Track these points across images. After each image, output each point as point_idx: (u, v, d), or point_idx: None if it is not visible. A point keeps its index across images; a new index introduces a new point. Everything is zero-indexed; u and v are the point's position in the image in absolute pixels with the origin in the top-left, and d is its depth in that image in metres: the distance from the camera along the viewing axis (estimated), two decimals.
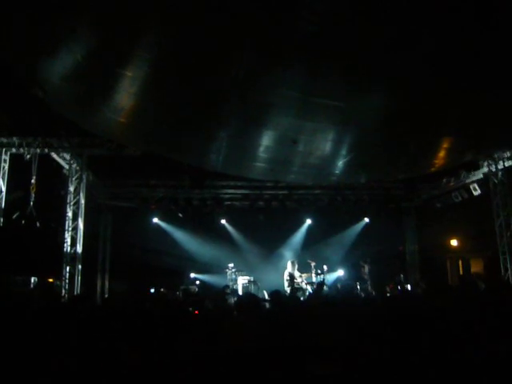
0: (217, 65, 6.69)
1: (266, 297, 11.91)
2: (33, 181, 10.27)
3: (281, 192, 13.78)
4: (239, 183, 13.26)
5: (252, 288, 12.38)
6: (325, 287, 11.91)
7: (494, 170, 11.58)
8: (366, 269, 12.95)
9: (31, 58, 6.82)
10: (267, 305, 6.33)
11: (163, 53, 6.45)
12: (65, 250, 10.59)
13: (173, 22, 5.78)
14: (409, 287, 12.91)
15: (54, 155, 10.73)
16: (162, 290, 12.13)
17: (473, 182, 12.40)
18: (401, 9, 5.67)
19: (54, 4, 5.46)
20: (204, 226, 14.29)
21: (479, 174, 12.21)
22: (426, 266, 15.03)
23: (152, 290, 12.20)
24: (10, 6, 5.61)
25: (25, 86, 7.74)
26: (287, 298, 6.94)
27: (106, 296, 12.63)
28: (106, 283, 14.05)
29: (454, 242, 14.92)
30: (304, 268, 12.69)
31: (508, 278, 11.17)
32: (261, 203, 13.86)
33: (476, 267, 14.83)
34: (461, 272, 15.07)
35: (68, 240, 10.62)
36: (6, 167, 10.49)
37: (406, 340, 3.73)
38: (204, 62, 6.60)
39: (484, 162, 11.82)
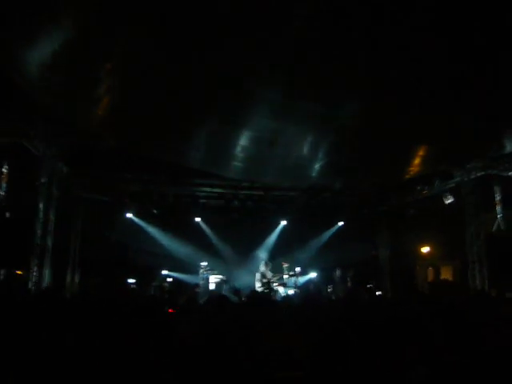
0: (198, 66, 6.67)
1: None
2: (4, 170, 10.01)
3: (256, 192, 13.76)
4: (215, 182, 13.18)
5: (224, 287, 12.35)
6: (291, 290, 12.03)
7: (466, 179, 11.80)
8: (338, 272, 13.06)
9: (9, 38, 6.65)
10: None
11: (144, 48, 6.38)
12: (35, 241, 10.35)
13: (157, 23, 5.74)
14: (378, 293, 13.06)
15: (27, 144, 10.46)
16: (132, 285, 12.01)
17: (446, 190, 12.62)
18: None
19: None
20: (178, 223, 14.18)
21: (452, 183, 12.44)
22: (396, 271, 15.23)
23: (131, 281, 12.07)
24: None
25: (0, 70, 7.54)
26: (262, 298, 6.96)
27: (77, 290, 12.40)
28: (76, 277, 13.80)
29: (424, 249, 15.18)
30: (277, 269, 12.74)
31: (476, 286, 11.39)
32: (236, 203, 13.83)
33: (445, 275, 15.11)
34: (430, 279, 15.33)
35: (38, 232, 10.38)
36: None
37: (372, 343, 3.76)
38: (185, 61, 6.57)
39: (457, 171, 12.03)
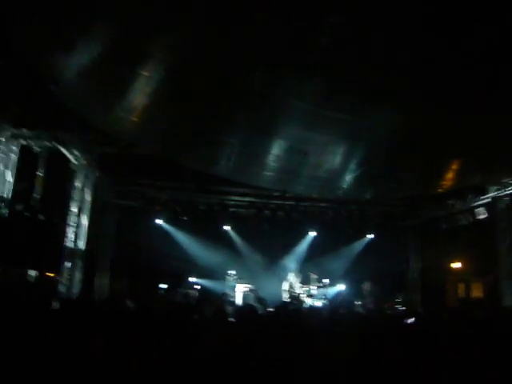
0: (233, 74, 6.73)
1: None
2: (40, 174, 10.28)
3: (287, 202, 13.75)
4: (246, 190, 13.23)
5: (251, 297, 12.32)
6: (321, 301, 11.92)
7: (501, 194, 11.53)
8: (368, 285, 12.87)
9: (47, 51, 6.86)
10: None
11: (181, 56, 6.48)
12: (66, 245, 10.57)
13: (193, 28, 5.81)
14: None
15: (64, 150, 10.74)
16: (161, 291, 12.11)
17: (479, 205, 12.35)
18: (415, 34, 5.71)
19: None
20: (207, 231, 14.25)
21: (486, 198, 12.16)
22: (426, 286, 14.93)
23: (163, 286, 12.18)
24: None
25: (39, 78, 7.77)
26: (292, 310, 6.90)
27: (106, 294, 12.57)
28: (106, 281, 14.00)
29: (455, 265, 14.84)
30: (305, 280, 12.66)
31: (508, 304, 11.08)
32: (266, 212, 13.83)
33: (476, 291, 14.73)
34: (460, 295, 14.98)
35: (71, 236, 10.60)
36: (15, 158, 10.50)
37: (403, 359, 3.70)
38: (221, 70, 6.64)
39: (491, 186, 11.76)
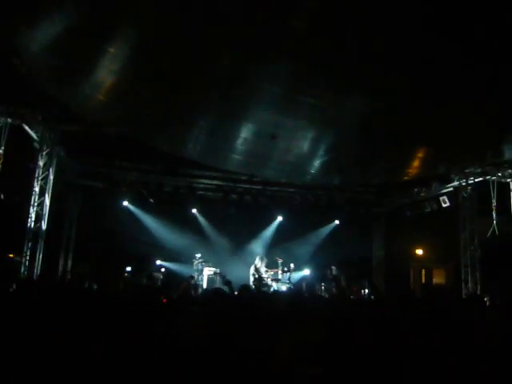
0: (202, 54, 6.61)
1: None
2: (0, 151, 9.91)
3: (255, 187, 13.73)
4: (214, 174, 13.14)
5: (217, 280, 12.32)
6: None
7: (464, 184, 11.82)
8: (332, 270, 13.05)
9: (8, 22, 6.57)
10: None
11: (148, 33, 6.32)
12: (28, 225, 10.27)
13: (163, 6, 5.66)
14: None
15: (26, 127, 10.37)
16: (126, 274, 11.96)
17: (443, 194, 12.64)
18: (389, 22, 5.73)
19: None
20: (174, 214, 14.10)
21: (450, 187, 12.45)
22: (390, 272, 15.26)
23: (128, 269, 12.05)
24: None
25: (1, 51, 7.45)
26: (255, 293, 6.93)
27: (69, 276, 12.32)
28: (69, 263, 13.74)
29: (419, 251, 15.22)
30: (271, 265, 12.72)
31: (468, 290, 11.44)
32: (234, 196, 13.78)
33: (438, 277, 15.17)
34: (423, 281, 15.40)
35: (33, 216, 10.29)
36: None
37: (366, 344, 3.74)
38: (189, 49, 6.51)
39: (455, 176, 12.04)
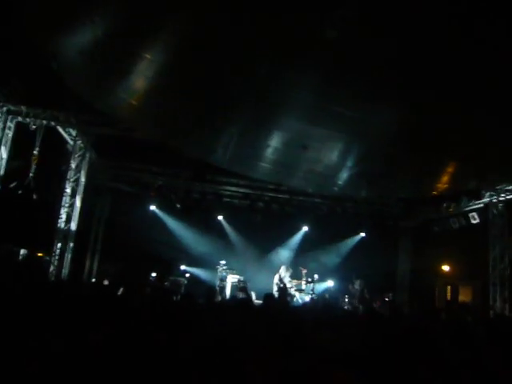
0: (236, 63, 6.68)
1: (254, 297, 11.89)
2: (35, 152, 10.17)
3: (281, 196, 13.74)
4: (241, 182, 13.20)
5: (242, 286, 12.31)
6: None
7: (494, 200, 11.58)
8: (357, 283, 12.91)
9: (49, 28, 6.76)
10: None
11: (186, 41, 6.41)
12: (58, 225, 10.48)
13: (200, 12, 5.74)
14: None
15: (60, 129, 10.63)
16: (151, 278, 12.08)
17: (472, 210, 12.38)
18: (427, 35, 5.69)
19: None
20: (200, 220, 14.21)
21: (480, 203, 12.20)
22: (415, 287, 15.01)
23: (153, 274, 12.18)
24: None
25: (40, 55, 7.67)
26: (278, 302, 6.91)
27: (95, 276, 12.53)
28: (95, 264, 13.96)
29: (445, 268, 14.92)
30: (295, 275, 12.66)
31: (495, 309, 11.17)
32: (260, 204, 13.81)
33: (464, 295, 14.83)
34: (448, 297, 15.07)
35: (63, 216, 10.52)
36: (10, 135, 10.39)
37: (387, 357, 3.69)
38: (225, 56, 6.58)
39: (486, 191, 11.81)
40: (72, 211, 10.63)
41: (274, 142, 9.08)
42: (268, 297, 6.04)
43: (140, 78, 7.70)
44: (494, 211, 11.61)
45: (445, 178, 10.91)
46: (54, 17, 6.39)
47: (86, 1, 5.88)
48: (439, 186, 11.52)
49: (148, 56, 6.83)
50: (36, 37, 7.24)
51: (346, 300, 12.64)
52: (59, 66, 7.75)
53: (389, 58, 6.23)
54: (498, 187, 11.40)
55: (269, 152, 9.50)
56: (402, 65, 6.30)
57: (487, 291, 11.59)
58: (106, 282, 10.04)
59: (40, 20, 6.65)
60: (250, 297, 9.56)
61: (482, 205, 12.14)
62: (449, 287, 15.21)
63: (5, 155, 10.30)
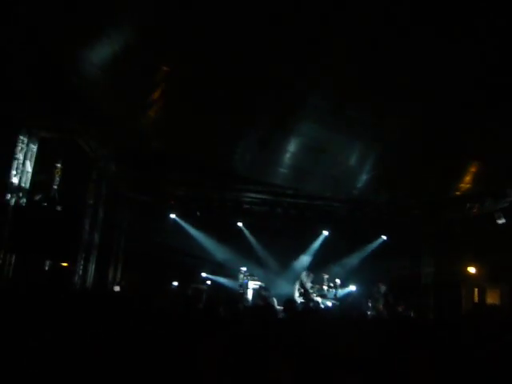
0: (254, 70, 6.73)
1: (276, 304, 11.87)
2: (58, 165, 10.36)
3: (300, 201, 13.70)
4: (260, 188, 13.21)
5: (262, 294, 12.30)
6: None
7: None
8: (382, 288, 12.76)
9: (70, 43, 6.91)
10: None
11: (204, 52, 6.49)
12: (82, 236, 10.66)
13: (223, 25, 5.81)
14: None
15: (82, 142, 10.83)
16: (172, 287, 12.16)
17: (497, 210, 12.15)
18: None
19: None
20: (220, 227, 14.26)
21: (505, 203, 11.95)
22: (440, 290, 14.76)
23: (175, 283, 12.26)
24: None
25: (61, 69, 7.83)
26: (301, 308, 6.88)
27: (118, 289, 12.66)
28: (118, 274, 14.12)
29: (471, 270, 14.64)
30: (317, 280, 12.60)
31: None
32: (279, 210, 13.80)
33: (492, 298, 14.53)
34: (475, 300, 14.78)
35: (86, 227, 10.69)
36: (35, 149, 10.61)
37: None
38: (242, 65, 6.64)
39: (511, 190, 11.58)
40: (95, 222, 10.80)
41: (292, 147, 9.11)
42: (288, 302, 6.02)
43: (157, 90, 7.81)
44: None
45: (468, 178, 10.75)
46: (75, 34, 6.54)
47: (104, 18, 5.99)
48: (462, 186, 11.35)
49: (165, 68, 6.93)
50: (57, 52, 7.42)
51: (370, 305, 12.51)
52: (80, 80, 7.91)
53: (405, 58, 6.21)
54: None
55: (287, 157, 9.52)
56: (424, 66, 6.28)
57: None
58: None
59: (62, 35, 6.80)
60: (270, 304, 9.52)
61: (507, 204, 11.91)
62: (476, 290, 14.91)
63: (30, 169, 10.51)
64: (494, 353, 4.05)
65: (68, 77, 7.79)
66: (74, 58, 7.41)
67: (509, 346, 4.13)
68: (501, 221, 11.90)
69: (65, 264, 11.47)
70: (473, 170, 10.10)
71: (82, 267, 10.39)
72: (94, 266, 10.56)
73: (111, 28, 6.28)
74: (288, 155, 9.41)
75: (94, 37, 6.55)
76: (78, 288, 9.64)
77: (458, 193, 11.80)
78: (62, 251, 10.76)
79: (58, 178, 10.21)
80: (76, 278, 10.24)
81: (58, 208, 10.25)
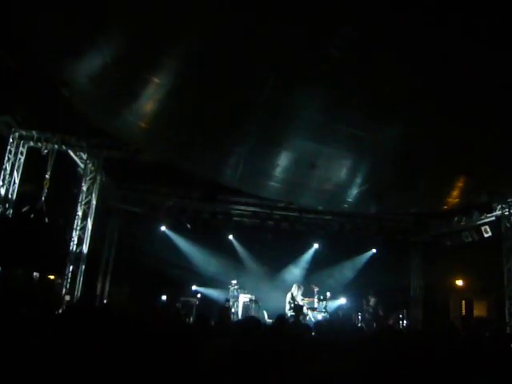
0: (243, 83, 6.76)
1: (266, 317, 11.82)
2: (47, 176, 10.30)
3: (291, 213, 13.73)
4: (250, 200, 13.22)
5: (253, 307, 12.26)
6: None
7: (506, 213, 11.49)
8: (372, 301, 12.79)
9: (59, 56, 6.91)
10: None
11: (192, 65, 6.52)
12: (70, 248, 10.55)
13: (206, 37, 5.85)
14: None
15: (71, 153, 10.78)
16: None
17: (485, 223, 12.28)
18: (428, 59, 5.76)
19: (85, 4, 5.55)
20: (211, 240, 14.19)
21: (492, 217, 12.10)
22: (429, 303, 14.83)
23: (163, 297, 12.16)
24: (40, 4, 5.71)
25: (50, 80, 7.81)
26: (291, 324, 6.83)
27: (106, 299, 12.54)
28: (107, 286, 13.98)
29: (459, 282, 14.75)
30: (307, 293, 12.58)
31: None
32: (270, 223, 13.80)
33: (479, 310, 14.61)
34: (463, 313, 14.85)
35: (75, 239, 10.59)
36: (22, 160, 10.56)
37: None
38: (231, 78, 6.67)
39: (498, 204, 11.73)
40: (84, 234, 10.70)
41: (283, 161, 9.13)
42: (279, 319, 5.97)
43: (149, 102, 7.81)
44: (507, 224, 11.51)
45: (455, 193, 10.85)
46: (65, 45, 6.54)
47: (91, 28, 6.00)
48: (449, 200, 11.45)
49: (155, 80, 6.94)
50: (48, 64, 7.41)
51: (359, 317, 12.51)
52: (70, 92, 7.89)
53: (394, 76, 6.28)
54: (510, 200, 11.33)
55: (277, 171, 9.54)
56: (408, 81, 6.35)
57: (502, 305, 11.43)
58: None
59: (51, 48, 6.80)
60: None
61: (493, 218, 12.06)
62: (463, 302, 15.00)
63: (17, 180, 10.45)
64: (482, 362, 4.07)
65: (58, 87, 7.76)
66: (64, 69, 7.39)
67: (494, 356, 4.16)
68: (487, 234, 12.03)
69: (52, 276, 11.35)
70: (460, 184, 10.21)
71: (69, 280, 10.25)
72: (81, 279, 10.43)
73: (101, 38, 6.28)
74: (279, 169, 9.44)
75: (84, 50, 6.55)
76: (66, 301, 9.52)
77: (445, 207, 11.91)
78: (49, 263, 10.65)
79: (46, 190, 10.13)
80: (63, 290, 10.10)
81: (46, 220, 10.16)
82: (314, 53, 5.97)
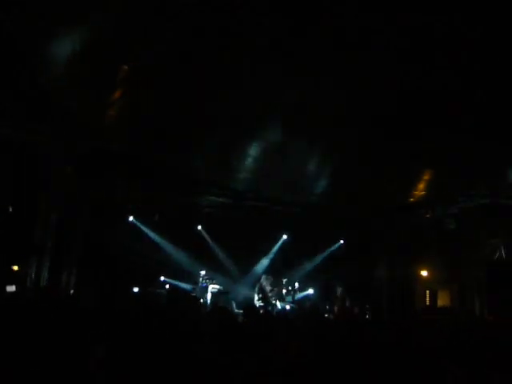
0: (215, 79, 6.78)
1: (235, 308, 11.88)
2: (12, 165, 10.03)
3: (260, 204, 13.77)
4: (219, 191, 13.18)
5: (221, 298, 12.30)
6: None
7: (468, 206, 11.84)
8: (339, 290, 13.01)
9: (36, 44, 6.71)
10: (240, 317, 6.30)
11: (164, 54, 6.47)
12: (35, 239, 10.33)
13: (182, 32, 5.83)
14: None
15: (39, 142, 10.51)
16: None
17: (448, 215, 12.64)
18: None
19: None
20: (180, 231, 14.07)
21: (454, 209, 12.46)
22: (394, 292, 15.16)
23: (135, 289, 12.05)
24: None
25: (19, 70, 7.58)
26: (260, 314, 6.91)
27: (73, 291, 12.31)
28: (73, 277, 13.72)
29: (423, 273, 15.13)
30: (276, 283, 12.69)
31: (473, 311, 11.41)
32: (240, 213, 13.80)
33: (443, 298, 15.05)
34: (427, 302, 15.27)
35: (40, 230, 10.37)
36: None
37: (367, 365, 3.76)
38: (202, 73, 6.68)
39: (461, 197, 12.07)
40: (49, 224, 10.49)
41: (253, 151, 9.17)
42: (247, 309, 6.04)
43: (119, 90, 7.70)
44: (468, 216, 11.87)
45: (420, 186, 11.13)
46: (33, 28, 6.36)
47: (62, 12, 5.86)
48: (415, 193, 11.75)
49: (125, 67, 6.85)
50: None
51: (327, 307, 12.71)
52: (44, 81, 7.69)
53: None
54: (473, 192, 11.67)
55: (248, 161, 9.59)
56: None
57: (464, 294, 11.83)
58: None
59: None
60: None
61: (456, 210, 12.41)
62: (427, 292, 15.41)
63: None
64: (443, 350, 4.23)
65: (23, 74, 7.54)
66: (42, 59, 7.17)
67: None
68: (451, 226, 12.39)
69: (15, 267, 11.10)
70: (426, 177, 10.47)
71: (34, 270, 10.05)
72: (46, 269, 10.24)
73: (72, 24, 6.15)
74: (247, 160, 9.48)
75: (55, 33, 6.39)
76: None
77: (411, 199, 12.20)
78: (13, 254, 10.41)
79: (10, 179, 9.87)
80: (28, 281, 9.90)
81: (10, 209, 9.93)
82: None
